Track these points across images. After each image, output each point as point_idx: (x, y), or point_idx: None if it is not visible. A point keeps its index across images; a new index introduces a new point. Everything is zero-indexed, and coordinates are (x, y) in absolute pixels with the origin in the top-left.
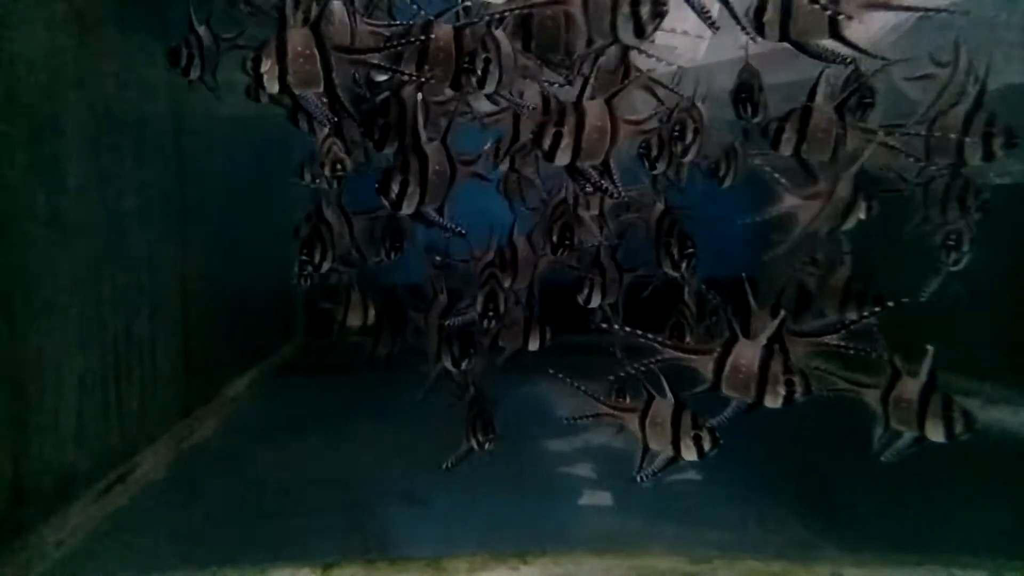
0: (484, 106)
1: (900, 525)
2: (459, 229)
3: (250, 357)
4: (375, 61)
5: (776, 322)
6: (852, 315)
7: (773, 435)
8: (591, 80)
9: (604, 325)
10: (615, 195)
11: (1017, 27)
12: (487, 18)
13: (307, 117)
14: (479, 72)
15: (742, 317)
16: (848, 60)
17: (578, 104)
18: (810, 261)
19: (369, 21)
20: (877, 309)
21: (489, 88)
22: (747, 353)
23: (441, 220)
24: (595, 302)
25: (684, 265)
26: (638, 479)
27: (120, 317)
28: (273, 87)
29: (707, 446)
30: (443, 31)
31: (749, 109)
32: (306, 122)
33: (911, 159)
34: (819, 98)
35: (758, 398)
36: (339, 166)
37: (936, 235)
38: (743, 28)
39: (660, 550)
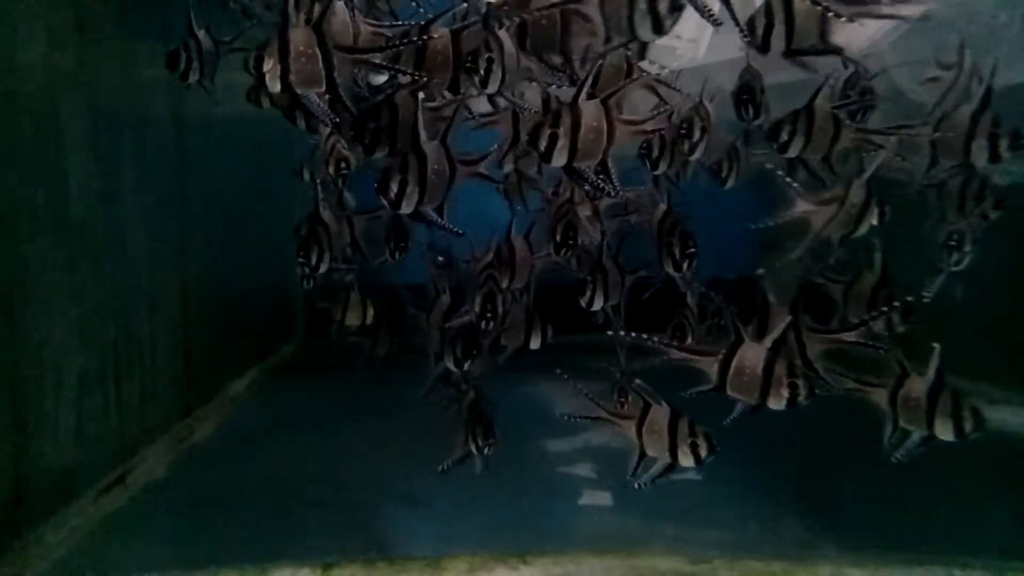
0: (483, 107)
1: (900, 525)
2: (456, 230)
3: (250, 357)
4: (377, 61)
5: (782, 325)
6: (876, 320)
7: (773, 435)
8: (589, 81)
9: (609, 332)
10: (612, 195)
11: (1017, 27)
12: (493, 19)
13: (304, 115)
14: (482, 72)
15: (760, 315)
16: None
17: (574, 105)
18: (826, 267)
19: (370, 21)
20: (886, 309)
21: (492, 88)
22: (751, 355)
23: (439, 220)
24: (597, 305)
25: (686, 265)
26: (635, 485)
27: (120, 317)
28: (275, 86)
29: (704, 453)
30: (440, 34)
31: (751, 111)
32: (303, 120)
33: (900, 158)
34: (820, 100)
35: (762, 400)
36: (343, 164)
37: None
38: (741, 31)
39: (660, 550)
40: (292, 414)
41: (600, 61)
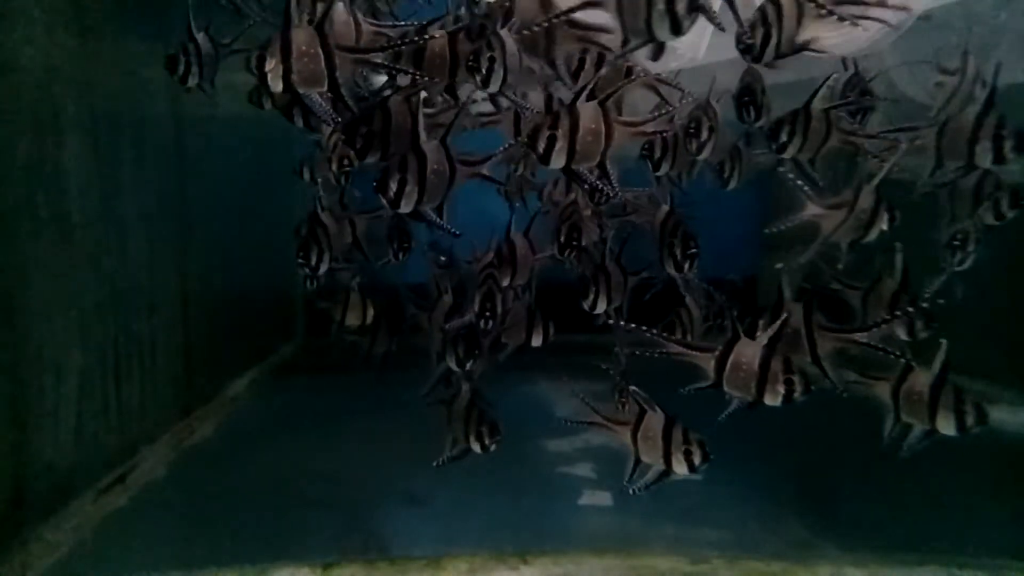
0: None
1: (900, 525)
2: (454, 230)
3: (250, 357)
4: (378, 60)
5: (779, 322)
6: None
7: (773, 435)
8: (587, 83)
9: (610, 322)
10: (611, 196)
11: (1017, 27)
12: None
13: (303, 113)
14: (483, 71)
15: (774, 310)
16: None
17: (572, 107)
18: (839, 272)
19: (370, 21)
20: (902, 312)
21: (493, 88)
22: (748, 351)
23: (437, 219)
24: (600, 308)
25: (687, 266)
26: (630, 491)
27: (120, 317)
28: (277, 86)
29: (698, 460)
30: (441, 34)
31: (752, 112)
32: (301, 118)
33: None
34: (818, 101)
35: (758, 396)
36: (346, 161)
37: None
38: (744, 31)
39: (660, 550)
40: (292, 414)
41: (604, 64)
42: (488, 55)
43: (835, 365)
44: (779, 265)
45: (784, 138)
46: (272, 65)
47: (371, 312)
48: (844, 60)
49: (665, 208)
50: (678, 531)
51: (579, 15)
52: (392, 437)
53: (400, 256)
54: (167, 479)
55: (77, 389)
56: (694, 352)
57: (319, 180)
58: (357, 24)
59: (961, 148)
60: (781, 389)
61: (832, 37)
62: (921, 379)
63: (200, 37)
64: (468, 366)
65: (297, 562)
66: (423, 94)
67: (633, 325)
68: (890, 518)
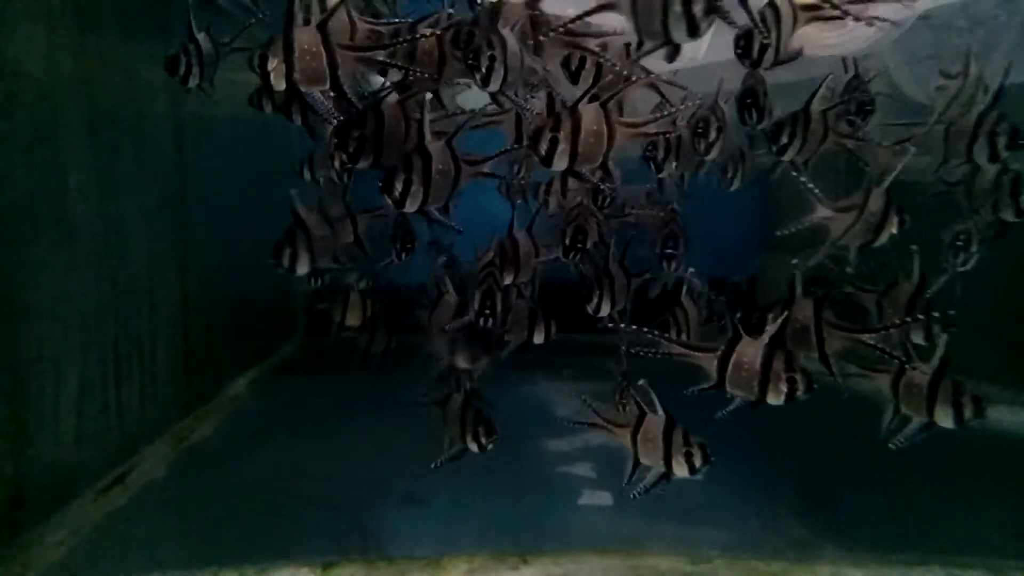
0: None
1: (900, 525)
2: (456, 227)
3: (250, 357)
4: (380, 59)
5: (779, 321)
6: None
7: (773, 435)
8: (591, 87)
9: (611, 324)
10: (611, 196)
11: (1017, 27)
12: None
13: (301, 112)
14: (483, 70)
15: (785, 306)
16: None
17: (574, 109)
18: (853, 275)
19: (369, 20)
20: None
21: (493, 87)
22: (750, 350)
23: (440, 217)
24: (604, 311)
25: (669, 266)
26: (630, 495)
27: (120, 317)
28: (280, 85)
29: (698, 463)
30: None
31: (754, 114)
32: (300, 117)
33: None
34: (816, 103)
35: (760, 396)
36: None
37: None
38: (760, 30)
39: (660, 550)
40: (292, 414)
41: (611, 66)
42: (488, 54)
43: (840, 362)
44: (794, 262)
45: (784, 140)
46: (275, 64)
47: (371, 312)
48: (844, 60)
49: (665, 208)
50: (678, 531)
51: (590, 18)
52: (392, 437)
53: (403, 256)
54: (167, 479)
55: (77, 389)
56: (696, 352)
57: (320, 180)
58: (352, 22)
59: (960, 146)
60: (783, 388)
61: (832, 37)
62: (920, 372)
63: (201, 37)
64: (470, 366)
65: (297, 562)
66: (427, 95)
67: (635, 327)
68: (890, 518)
